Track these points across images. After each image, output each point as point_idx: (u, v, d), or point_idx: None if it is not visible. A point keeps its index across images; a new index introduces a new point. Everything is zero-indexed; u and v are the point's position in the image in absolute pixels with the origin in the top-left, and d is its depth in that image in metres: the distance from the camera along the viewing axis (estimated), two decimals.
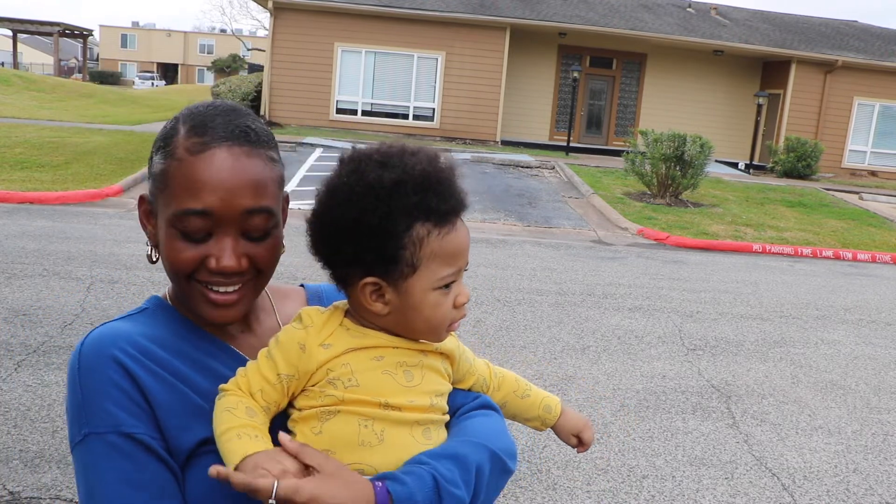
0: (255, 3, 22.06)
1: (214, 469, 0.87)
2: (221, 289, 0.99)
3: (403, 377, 1.00)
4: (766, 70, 22.53)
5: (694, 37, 20.91)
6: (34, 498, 3.22)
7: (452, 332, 1.06)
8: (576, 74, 20.39)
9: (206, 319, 1.03)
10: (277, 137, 18.01)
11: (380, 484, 0.91)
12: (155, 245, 1.04)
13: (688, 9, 24.13)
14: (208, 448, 0.96)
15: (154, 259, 1.05)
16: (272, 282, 1.14)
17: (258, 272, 1.02)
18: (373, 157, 0.97)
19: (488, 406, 1.13)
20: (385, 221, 0.94)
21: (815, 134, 21.02)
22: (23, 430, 3.76)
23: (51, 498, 3.23)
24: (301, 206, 11.01)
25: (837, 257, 11.02)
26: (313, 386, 0.98)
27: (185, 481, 0.97)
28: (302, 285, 1.26)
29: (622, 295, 7.51)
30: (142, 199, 1.05)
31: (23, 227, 8.11)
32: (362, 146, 1.02)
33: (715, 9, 24.35)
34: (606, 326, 6.39)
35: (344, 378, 0.97)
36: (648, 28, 20.81)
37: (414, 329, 1.00)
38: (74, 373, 0.97)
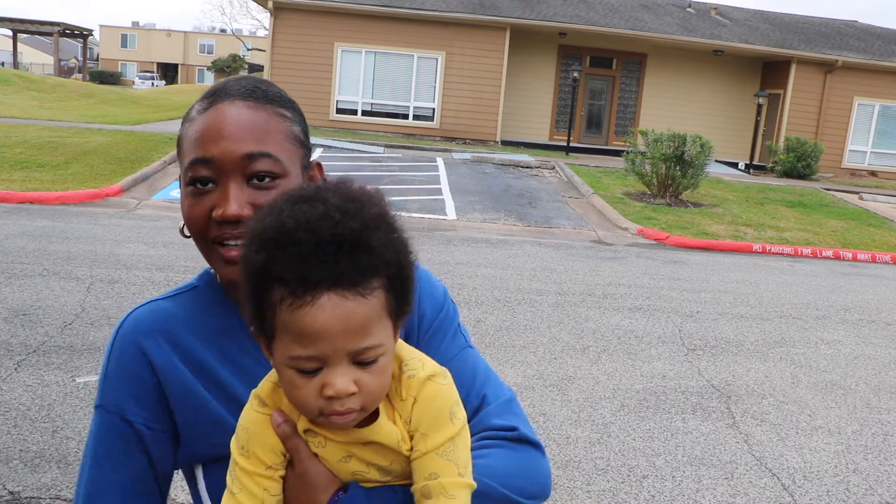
0: (255, 3, 22.06)
1: None
2: (232, 242, 0.98)
3: (378, 475, 0.92)
4: (766, 70, 22.53)
5: (694, 37, 20.91)
6: (34, 498, 3.22)
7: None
8: (576, 74, 20.39)
9: (225, 279, 1.03)
10: None
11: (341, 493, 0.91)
12: None
13: (688, 9, 24.13)
14: (223, 453, 0.97)
15: (187, 234, 1.05)
16: None
17: None
18: (280, 198, 0.85)
19: (519, 440, 1.03)
20: (250, 275, 0.83)
21: (815, 134, 21.02)
22: (23, 430, 3.76)
23: (51, 498, 3.23)
24: None
25: (837, 257, 11.02)
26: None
27: (199, 479, 1.03)
28: None
29: (622, 295, 7.51)
30: (180, 178, 1.07)
31: (23, 227, 8.11)
32: (335, 179, 0.91)
33: (715, 9, 24.35)
34: (606, 326, 6.39)
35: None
36: (648, 28, 20.81)
37: (288, 399, 0.88)
38: (109, 346, 1.04)
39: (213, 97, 1.01)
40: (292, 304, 0.80)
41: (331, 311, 0.79)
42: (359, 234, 0.80)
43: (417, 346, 1.02)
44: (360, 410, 0.84)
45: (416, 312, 1.09)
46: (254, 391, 0.92)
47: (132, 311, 1.05)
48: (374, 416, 0.88)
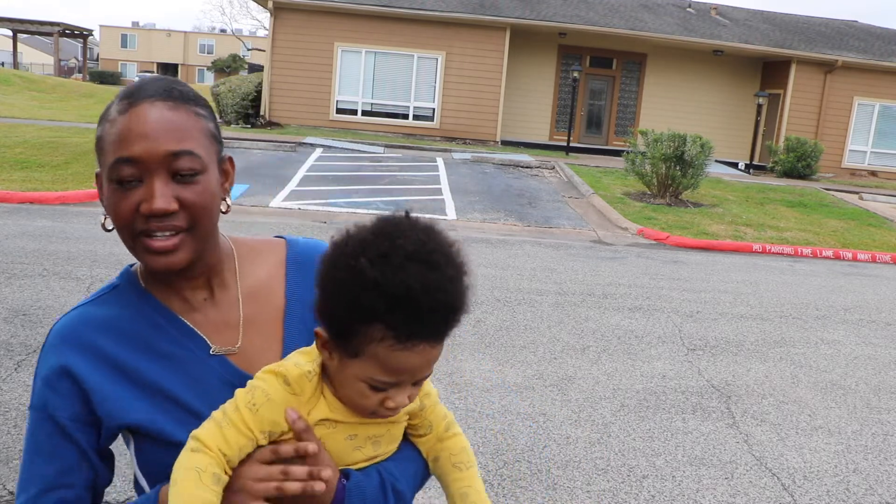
0: (255, 3, 22.06)
1: None
2: (159, 234, 1.05)
3: (371, 448, 1.08)
4: (766, 70, 22.53)
5: (694, 37, 20.91)
6: None
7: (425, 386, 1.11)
8: (576, 74, 20.39)
9: (152, 270, 1.10)
10: (277, 137, 17.89)
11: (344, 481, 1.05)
12: (109, 214, 1.12)
13: (688, 9, 24.13)
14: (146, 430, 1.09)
15: (108, 228, 1.12)
16: (248, 237, 1.25)
17: (193, 222, 1.07)
18: (385, 241, 0.95)
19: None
20: (349, 306, 0.94)
21: (815, 134, 21.02)
22: (23, 430, 3.76)
23: None
24: (301, 206, 10.96)
25: (837, 257, 11.02)
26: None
27: (133, 454, 1.13)
28: (284, 238, 1.29)
29: (622, 295, 7.51)
30: (97, 176, 1.12)
31: (23, 227, 8.11)
32: (410, 215, 1.00)
33: (715, 9, 24.35)
34: (606, 326, 6.39)
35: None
36: (648, 28, 20.80)
37: (340, 397, 1.03)
38: (41, 351, 1.14)
39: (132, 98, 1.06)
40: (393, 346, 0.95)
41: (420, 357, 0.97)
42: (459, 304, 0.97)
43: None
44: (406, 416, 1.10)
45: None
46: (280, 371, 1.02)
47: (58, 321, 1.14)
48: None
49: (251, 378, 1.05)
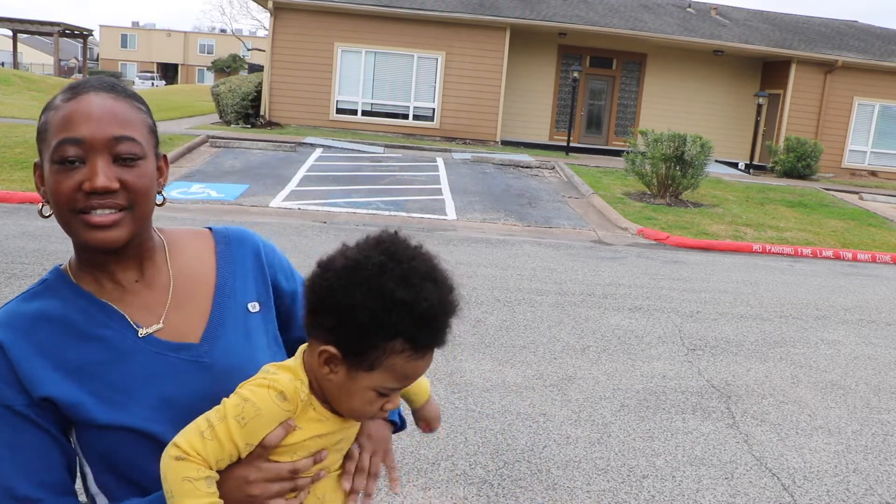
0: (255, 3, 22.06)
1: None
2: (98, 211, 1.09)
3: (335, 458, 1.16)
4: (766, 70, 22.53)
5: (694, 37, 20.91)
6: None
7: None
8: (576, 74, 20.39)
9: (89, 246, 1.13)
10: (277, 137, 17.88)
11: None
12: (47, 201, 1.16)
13: (688, 9, 24.13)
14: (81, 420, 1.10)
15: (46, 214, 1.17)
16: (175, 231, 1.29)
17: (132, 202, 1.12)
18: (401, 264, 1.03)
19: None
20: (375, 326, 1.01)
21: (815, 134, 21.02)
22: None
23: None
24: (301, 206, 10.93)
25: (837, 257, 11.02)
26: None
27: (74, 441, 1.13)
28: (210, 228, 1.35)
29: (622, 295, 7.50)
30: (35, 166, 1.17)
31: (23, 227, 8.12)
32: (402, 237, 1.09)
33: (715, 9, 24.35)
34: (606, 326, 6.39)
35: (292, 450, 1.08)
36: (648, 28, 20.80)
37: (338, 405, 1.09)
38: None
39: (77, 89, 1.12)
40: (410, 357, 1.04)
41: (428, 361, 1.08)
42: (457, 312, 1.08)
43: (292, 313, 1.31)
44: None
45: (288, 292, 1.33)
46: (275, 384, 1.06)
47: None
48: None
49: (178, 348, 1.13)
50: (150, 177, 1.14)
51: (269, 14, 19.91)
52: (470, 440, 4.11)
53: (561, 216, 12.12)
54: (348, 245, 1.08)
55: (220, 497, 1.02)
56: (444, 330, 1.06)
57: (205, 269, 1.26)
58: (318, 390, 1.09)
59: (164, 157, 1.23)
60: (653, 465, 4.01)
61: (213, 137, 16.35)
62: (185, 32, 66.51)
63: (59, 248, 7.24)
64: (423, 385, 1.29)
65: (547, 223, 11.42)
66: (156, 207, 1.19)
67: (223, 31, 65.42)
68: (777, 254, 10.89)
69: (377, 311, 1.00)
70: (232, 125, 19.58)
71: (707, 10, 24.35)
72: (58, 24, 35.46)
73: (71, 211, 1.10)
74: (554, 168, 17.13)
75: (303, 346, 1.13)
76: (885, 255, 11.12)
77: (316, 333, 1.07)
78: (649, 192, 14.12)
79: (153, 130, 1.19)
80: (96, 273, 1.18)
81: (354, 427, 1.16)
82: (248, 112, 19.86)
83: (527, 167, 17.09)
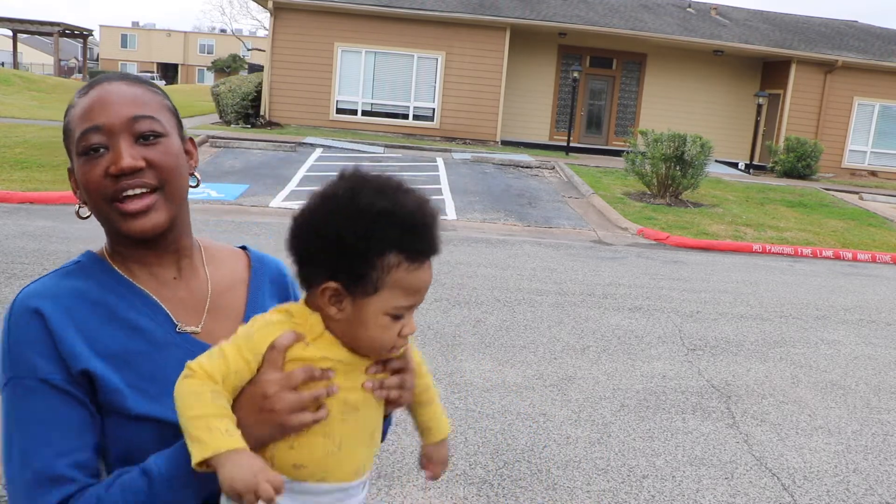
0: (255, 3, 22.06)
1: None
2: (130, 192, 1.09)
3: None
4: (766, 70, 22.53)
5: (694, 37, 20.91)
6: None
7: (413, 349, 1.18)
8: (576, 74, 20.39)
9: (130, 235, 1.12)
10: (277, 137, 17.89)
11: None
12: (84, 202, 1.16)
13: (688, 9, 24.13)
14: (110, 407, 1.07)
15: (84, 215, 1.18)
16: (212, 241, 1.30)
17: (161, 180, 1.12)
18: (371, 183, 1.05)
19: None
20: (363, 243, 1.01)
21: (815, 134, 21.02)
22: None
23: None
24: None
25: (837, 257, 11.02)
26: None
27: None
28: (244, 248, 1.36)
29: (622, 295, 7.50)
30: (69, 172, 1.18)
31: (23, 227, 8.11)
32: (365, 168, 1.09)
33: (715, 9, 24.34)
34: (606, 326, 6.39)
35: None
36: (648, 28, 20.80)
37: (357, 343, 1.07)
38: (4, 324, 1.08)
39: (91, 84, 1.15)
40: (408, 268, 1.04)
41: (428, 272, 1.07)
42: (439, 218, 1.09)
43: None
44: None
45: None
46: (283, 307, 1.08)
47: (20, 292, 1.10)
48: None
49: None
50: (175, 154, 1.14)
51: (269, 14, 19.91)
52: (470, 440, 4.11)
53: (561, 216, 12.12)
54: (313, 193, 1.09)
55: (244, 427, 1.01)
56: (433, 236, 1.06)
57: (238, 283, 1.27)
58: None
59: (191, 139, 1.23)
60: (653, 465, 4.01)
61: (213, 137, 16.35)
62: (185, 32, 66.51)
63: (59, 248, 7.24)
64: (443, 423, 1.27)
65: (547, 223, 11.42)
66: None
67: (223, 31, 65.43)
68: (777, 254, 10.88)
69: (362, 228, 1.01)
70: (232, 125, 19.58)
71: (707, 10, 24.35)
72: (58, 24, 35.46)
73: (104, 200, 1.10)
74: (554, 168, 17.13)
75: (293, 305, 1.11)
76: (885, 255, 11.12)
77: (311, 281, 1.07)
78: (649, 192, 14.12)
79: (172, 111, 1.19)
80: (132, 265, 1.17)
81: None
82: (248, 112, 19.86)
83: (527, 167, 17.09)
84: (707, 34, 21.29)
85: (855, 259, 11.00)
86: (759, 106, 19.95)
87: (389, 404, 1.13)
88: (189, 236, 1.22)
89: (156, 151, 1.11)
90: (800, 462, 4.21)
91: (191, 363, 1.02)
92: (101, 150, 1.10)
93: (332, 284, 1.04)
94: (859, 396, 5.31)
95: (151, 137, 1.11)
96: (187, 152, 1.21)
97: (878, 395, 5.36)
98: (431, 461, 1.25)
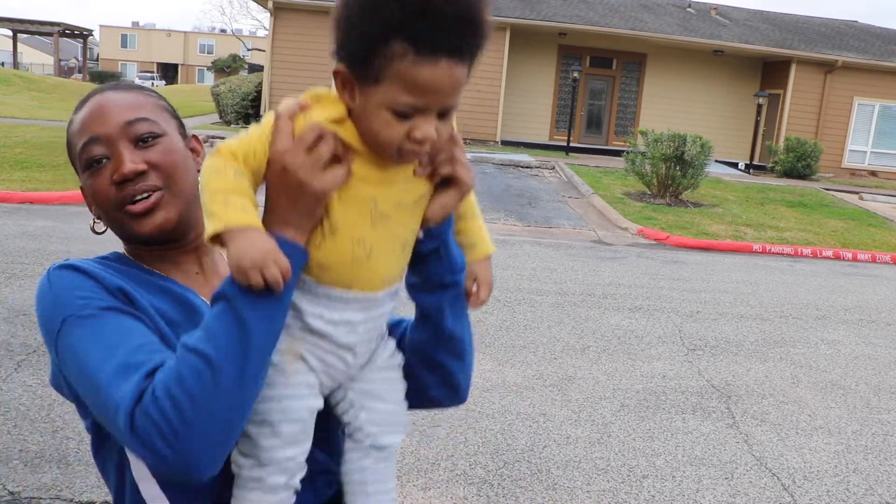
0: (255, 3, 22.06)
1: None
2: (137, 197, 1.10)
3: (389, 225, 1.02)
4: (766, 70, 22.53)
5: (694, 37, 20.91)
6: (34, 498, 3.22)
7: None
8: (576, 74, 20.39)
9: (138, 236, 1.12)
10: None
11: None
12: (98, 216, 1.18)
13: (688, 9, 24.13)
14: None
15: (99, 230, 1.19)
16: None
17: (166, 180, 1.12)
18: None
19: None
20: (365, 22, 0.91)
21: (815, 134, 21.02)
22: (23, 430, 3.76)
23: (51, 498, 3.23)
24: None
25: (837, 257, 11.02)
26: None
27: None
28: None
29: (622, 295, 7.50)
30: (81, 189, 1.19)
31: (23, 227, 8.11)
32: None
33: (715, 9, 24.35)
34: (606, 326, 6.39)
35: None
36: (648, 28, 20.80)
37: (365, 137, 0.98)
38: (44, 288, 1.05)
39: (84, 99, 1.16)
40: (415, 61, 0.90)
41: (444, 73, 0.91)
42: (479, 15, 0.92)
43: None
44: (428, 160, 1.01)
45: None
46: (315, 91, 1.00)
47: (53, 265, 1.08)
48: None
49: None
50: (176, 153, 1.14)
51: (269, 14, 19.92)
52: (470, 440, 4.11)
53: (561, 216, 12.12)
54: None
55: (278, 213, 0.96)
56: (454, 30, 0.90)
57: None
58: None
59: (196, 137, 1.24)
60: (653, 465, 4.01)
61: (213, 137, 16.34)
62: (185, 32, 66.54)
63: (59, 248, 7.24)
64: (487, 240, 1.20)
65: (547, 223, 11.42)
66: None
67: (223, 31, 65.46)
68: (777, 254, 10.88)
69: (367, 6, 0.90)
70: (232, 125, 19.58)
71: (707, 10, 24.35)
72: (58, 24, 35.48)
73: (114, 208, 1.11)
74: (554, 168, 17.13)
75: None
76: (885, 255, 11.12)
77: (335, 56, 0.98)
78: (649, 192, 14.12)
79: (170, 111, 1.20)
80: (155, 264, 1.18)
81: (405, 185, 1.02)
82: (248, 112, 19.87)
83: (527, 167, 17.09)
84: (707, 34, 21.30)
85: (855, 259, 11.00)
86: (759, 106, 19.95)
87: (433, 209, 1.04)
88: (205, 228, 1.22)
89: (156, 152, 1.12)
90: (800, 462, 4.21)
91: (219, 144, 0.99)
92: (104, 160, 1.11)
93: (343, 69, 0.96)
94: (859, 396, 5.31)
95: (150, 139, 1.12)
96: (193, 150, 1.21)
97: (878, 395, 5.36)
98: (477, 280, 1.16)
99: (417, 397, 1.17)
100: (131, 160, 1.09)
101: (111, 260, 1.16)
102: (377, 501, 1.12)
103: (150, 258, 1.17)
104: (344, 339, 1.03)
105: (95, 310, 1.00)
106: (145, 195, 1.10)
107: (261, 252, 0.91)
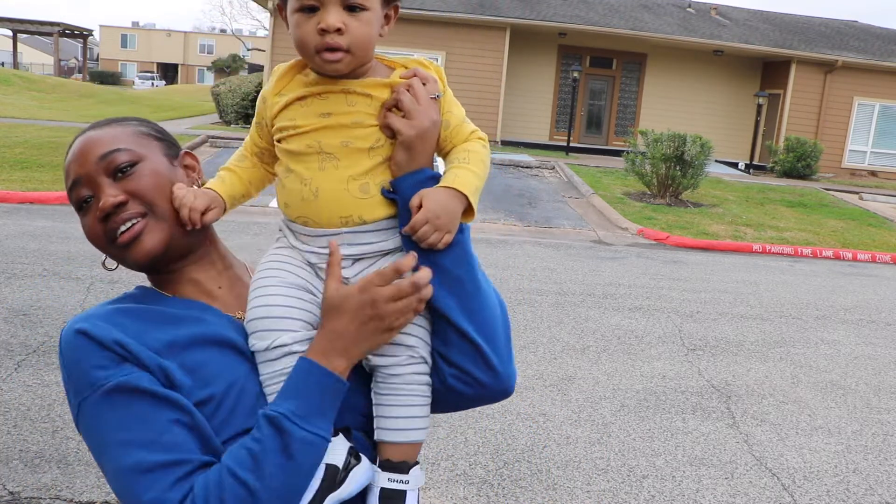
0: (255, 3, 22.06)
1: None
2: (121, 228, 1.11)
3: (341, 132, 1.11)
4: (766, 70, 22.53)
5: (694, 37, 20.91)
6: (34, 498, 3.22)
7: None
8: (576, 74, 20.39)
9: (134, 265, 1.14)
10: None
11: None
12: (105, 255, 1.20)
13: (688, 9, 24.13)
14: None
15: (110, 267, 1.20)
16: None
17: (148, 205, 1.13)
18: None
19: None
20: None
21: (815, 134, 21.02)
22: (23, 430, 3.76)
23: (51, 498, 3.23)
24: None
25: (837, 257, 11.02)
26: (278, 139, 1.14)
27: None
28: None
29: (622, 295, 7.50)
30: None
31: (23, 227, 8.12)
32: None
33: (715, 9, 24.35)
34: (606, 326, 6.39)
35: (290, 128, 1.12)
36: (648, 28, 20.80)
37: (298, 52, 1.11)
38: (61, 354, 1.06)
39: (71, 142, 1.19)
40: None
41: None
42: None
43: None
44: (347, 52, 1.06)
45: None
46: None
47: (73, 319, 1.07)
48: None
49: None
50: (157, 175, 1.14)
51: (269, 14, 19.91)
52: (470, 440, 4.11)
53: (561, 216, 12.12)
54: None
55: (351, 339, 1.07)
56: None
57: None
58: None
59: (190, 153, 1.25)
60: (653, 465, 4.01)
61: (213, 137, 16.35)
62: (185, 32, 66.51)
63: (59, 248, 7.24)
64: (458, 175, 1.22)
65: (547, 223, 11.42)
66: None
67: (223, 31, 65.45)
68: (777, 254, 10.89)
69: None
70: (232, 125, 19.58)
71: (707, 10, 24.35)
72: (58, 24, 35.47)
73: (106, 244, 1.13)
74: (554, 168, 17.13)
75: None
76: (885, 255, 11.12)
77: None
78: (649, 192, 14.12)
79: (153, 135, 1.20)
80: (177, 287, 1.19)
81: (360, 84, 1.11)
82: (248, 112, 19.86)
83: (527, 167, 17.09)
84: (707, 34, 21.29)
85: (855, 259, 11.00)
86: (759, 106, 19.95)
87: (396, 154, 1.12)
88: (214, 241, 1.24)
89: (133, 181, 1.12)
90: (800, 462, 4.21)
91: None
92: (90, 199, 1.13)
93: (279, 3, 1.11)
94: (859, 396, 5.31)
95: (128, 168, 1.13)
96: (188, 167, 1.22)
97: (878, 395, 5.36)
98: (422, 202, 1.10)
99: (448, 376, 1.21)
100: (110, 194, 1.10)
101: (130, 297, 1.17)
102: (382, 423, 1.19)
103: (169, 283, 1.19)
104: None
105: (99, 395, 1.00)
106: (128, 224, 1.11)
107: (194, 194, 1.15)
